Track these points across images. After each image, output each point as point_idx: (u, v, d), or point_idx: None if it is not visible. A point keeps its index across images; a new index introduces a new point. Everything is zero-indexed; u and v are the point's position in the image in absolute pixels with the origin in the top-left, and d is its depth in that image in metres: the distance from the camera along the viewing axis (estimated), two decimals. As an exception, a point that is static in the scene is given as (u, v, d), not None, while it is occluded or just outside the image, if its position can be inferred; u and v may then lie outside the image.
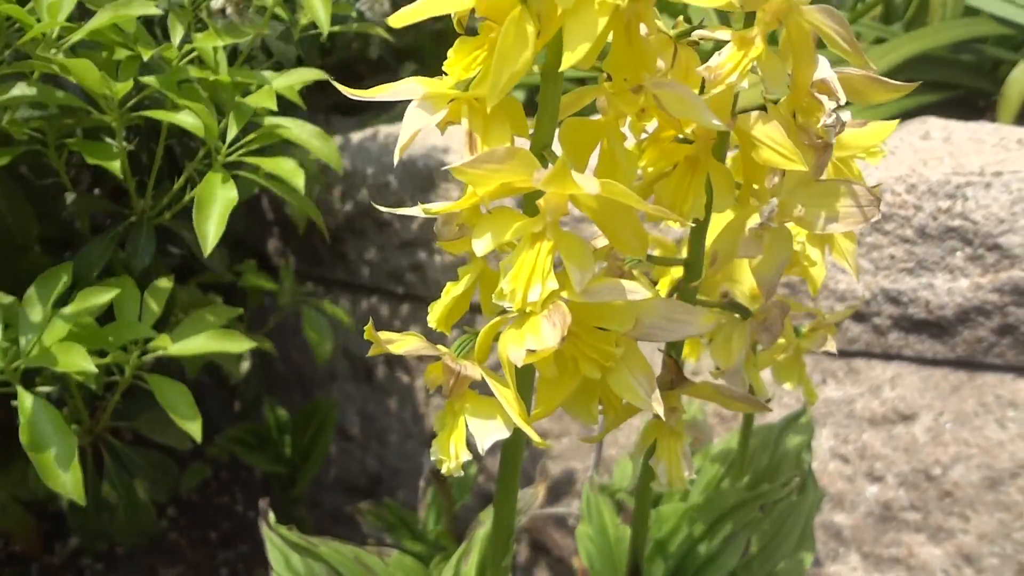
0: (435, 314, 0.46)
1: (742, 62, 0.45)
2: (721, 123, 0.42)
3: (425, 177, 1.19)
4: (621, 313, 0.42)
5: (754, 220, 0.51)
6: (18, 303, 0.79)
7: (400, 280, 1.26)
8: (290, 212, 1.17)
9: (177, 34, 0.87)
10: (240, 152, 0.89)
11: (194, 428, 0.80)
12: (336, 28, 1.10)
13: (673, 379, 0.53)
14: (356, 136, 1.30)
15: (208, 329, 0.86)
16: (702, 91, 0.47)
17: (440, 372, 0.44)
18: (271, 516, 0.71)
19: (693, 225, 0.53)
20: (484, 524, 0.72)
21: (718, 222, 0.52)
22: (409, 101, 0.44)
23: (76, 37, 0.79)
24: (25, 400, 0.74)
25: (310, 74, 0.94)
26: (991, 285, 0.96)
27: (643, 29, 0.42)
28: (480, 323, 0.45)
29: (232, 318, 0.90)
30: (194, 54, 0.89)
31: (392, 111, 1.42)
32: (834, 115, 0.47)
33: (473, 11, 0.41)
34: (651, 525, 0.78)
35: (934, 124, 1.10)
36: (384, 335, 0.44)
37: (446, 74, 0.43)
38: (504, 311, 0.41)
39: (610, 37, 0.41)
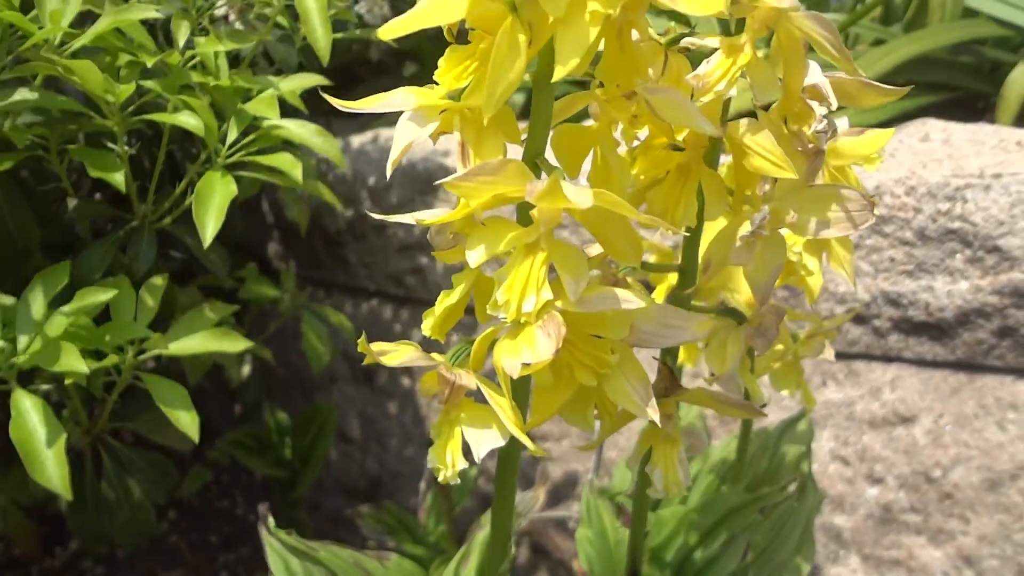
0: (430, 322, 0.46)
1: (730, 70, 0.45)
2: (715, 129, 0.42)
3: (425, 180, 1.19)
4: (616, 321, 0.42)
5: (747, 227, 0.51)
6: (15, 303, 0.80)
7: (401, 283, 1.27)
8: (293, 215, 1.17)
9: (181, 37, 0.87)
10: (240, 154, 0.89)
11: (192, 428, 0.80)
12: (337, 35, 1.11)
13: (667, 386, 0.53)
14: (356, 140, 1.30)
15: (205, 327, 0.86)
16: (692, 99, 0.47)
17: (435, 382, 0.44)
18: (271, 521, 0.72)
19: (687, 235, 0.53)
20: (484, 527, 0.72)
21: (712, 229, 0.52)
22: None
23: (79, 43, 0.80)
24: (18, 397, 0.75)
25: (310, 80, 0.95)
26: (991, 287, 0.96)
27: (635, 35, 0.41)
28: (480, 328, 0.45)
29: (228, 315, 0.90)
30: (196, 59, 0.89)
31: (393, 114, 1.41)
32: (825, 121, 0.46)
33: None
34: (651, 528, 0.78)
35: (933, 126, 1.10)
36: (378, 346, 0.44)
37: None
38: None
39: (602, 44, 0.41)
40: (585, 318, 0.41)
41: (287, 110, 0.98)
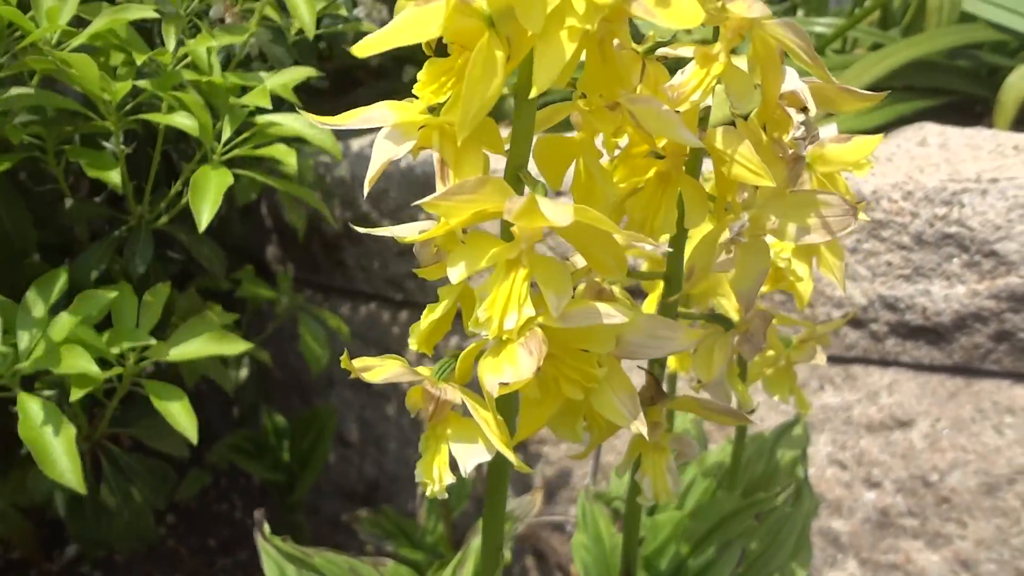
0: (416, 336, 0.46)
1: (705, 79, 0.45)
2: (695, 140, 0.42)
3: (423, 183, 1.20)
4: (601, 335, 0.42)
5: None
6: (16, 307, 0.80)
7: (399, 287, 1.27)
8: (290, 219, 1.17)
9: (171, 39, 0.87)
10: (235, 151, 0.90)
11: (191, 432, 0.80)
12: (327, 29, 1.11)
13: (654, 395, 0.53)
14: (356, 143, 1.30)
15: (205, 332, 0.86)
16: None
17: (421, 397, 0.44)
18: (266, 527, 0.71)
19: (668, 246, 0.53)
20: (480, 533, 0.72)
21: (697, 237, 0.52)
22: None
23: (76, 42, 0.80)
24: (24, 399, 0.75)
25: (304, 72, 0.95)
26: (988, 292, 0.96)
27: (616, 43, 0.41)
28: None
29: (229, 323, 0.90)
30: (188, 59, 0.89)
31: (391, 117, 1.41)
32: (803, 128, 0.46)
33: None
34: (646, 533, 0.78)
35: (931, 130, 1.11)
36: (361, 363, 0.44)
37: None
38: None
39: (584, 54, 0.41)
40: (570, 333, 0.41)
41: (283, 108, 0.98)
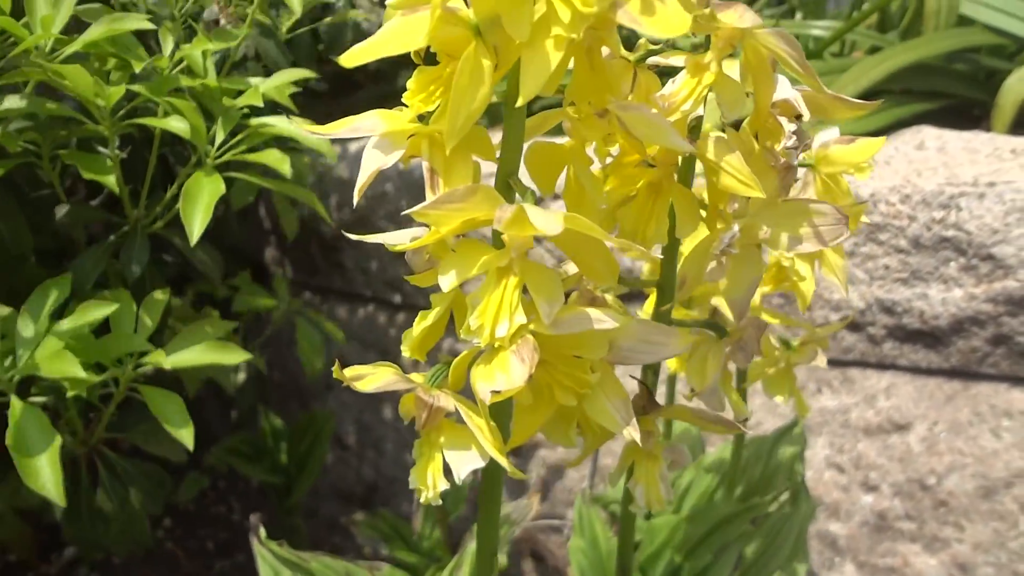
0: (409, 343, 0.46)
1: (696, 89, 0.45)
2: (687, 146, 0.42)
3: (421, 185, 1.19)
4: (594, 341, 0.42)
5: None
6: (15, 314, 0.80)
7: (397, 289, 1.27)
8: (282, 222, 1.17)
9: (167, 44, 0.87)
10: (230, 154, 0.90)
11: (186, 437, 0.80)
12: (327, 20, 1.11)
13: (646, 404, 0.53)
14: (352, 145, 1.30)
15: (205, 340, 0.86)
16: None
17: (414, 404, 0.43)
18: (262, 531, 0.72)
19: (660, 255, 0.53)
20: (476, 537, 0.71)
21: (691, 245, 0.52)
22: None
23: (70, 49, 0.80)
24: (15, 405, 0.75)
25: (298, 74, 0.95)
26: (985, 295, 0.96)
27: (606, 51, 0.41)
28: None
29: (227, 331, 0.90)
30: (184, 64, 0.90)
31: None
32: (794, 137, 0.46)
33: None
34: (643, 537, 0.78)
35: (929, 133, 1.10)
36: (353, 371, 0.44)
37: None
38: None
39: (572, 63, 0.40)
40: (562, 339, 0.41)
41: (279, 110, 0.98)
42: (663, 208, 0.48)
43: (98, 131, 0.85)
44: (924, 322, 1.00)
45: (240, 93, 0.92)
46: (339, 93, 1.43)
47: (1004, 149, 1.03)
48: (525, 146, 0.44)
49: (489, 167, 0.44)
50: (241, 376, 1.27)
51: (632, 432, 0.43)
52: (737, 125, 0.48)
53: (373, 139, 0.43)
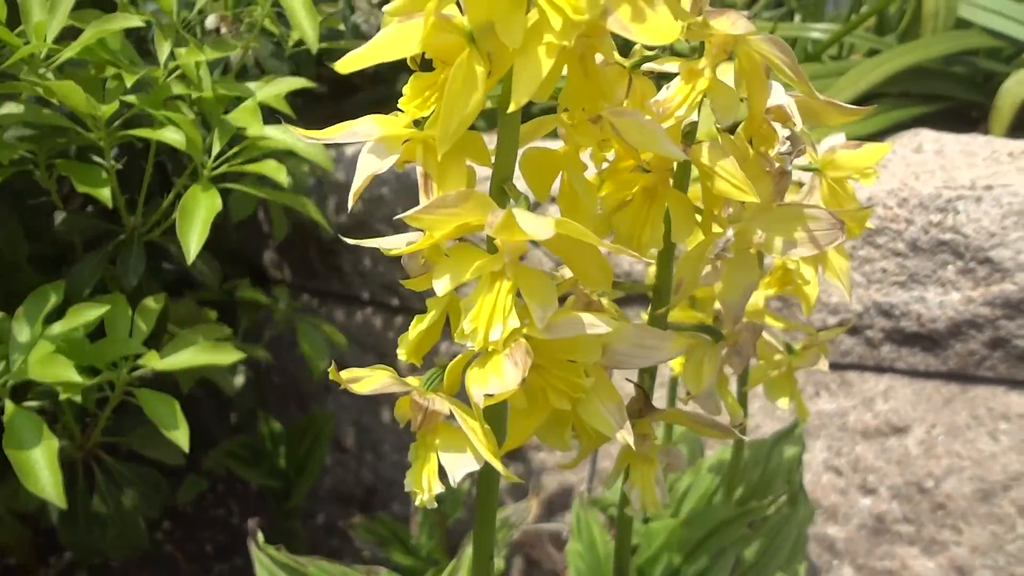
0: (405, 347, 0.46)
1: (690, 95, 0.45)
2: (681, 152, 0.42)
3: (418, 189, 1.19)
4: (587, 345, 0.42)
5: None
6: (8, 320, 0.80)
7: (395, 292, 1.27)
8: (273, 226, 1.17)
9: (163, 52, 0.87)
10: (226, 165, 0.90)
11: (181, 439, 0.80)
12: (325, 44, 1.11)
13: (642, 407, 0.53)
14: (349, 148, 1.30)
15: (197, 342, 0.86)
16: None
17: (409, 407, 0.44)
18: (260, 536, 0.72)
19: (651, 260, 0.53)
20: (472, 541, 0.72)
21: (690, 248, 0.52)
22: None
23: (64, 56, 0.80)
24: (9, 410, 0.75)
25: (295, 83, 0.95)
26: (982, 298, 0.96)
27: (599, 58, 0.41)
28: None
29: (225, 337, 0.90)
30: (180, 71, 0.90)
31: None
32: (788, 142, 0.47)
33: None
34: (640, 541, 0.78)
35: (926, 136, 1.11)
36: (349, 374, 0.44)
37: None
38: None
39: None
40: (555, 343, 0.41)
41: (277, 116, 0.98)
42: (659, 213, 0.49)
43: (94, 141, 0.85)
44: (922, 325, 1.00)
45: (238, 100, 0.92)
46: (338, 96, 1.43)
47: (1002, 152, 1.03)
48: (520, 151, 0.44)
49: (485, 172, 0.44)
50: (240, 379, 1.27)
51: (626, 436, 0.43)
52: (732, 131, 0.48)
53: (368, 144, 0.43)
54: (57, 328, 0.79)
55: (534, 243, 0.40)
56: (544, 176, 0.47)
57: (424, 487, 0.43)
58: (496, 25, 0.36)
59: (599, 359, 0.43)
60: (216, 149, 0.88)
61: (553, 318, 0.40)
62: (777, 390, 0.74)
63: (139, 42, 1.01)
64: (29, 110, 0.81)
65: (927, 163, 1.04)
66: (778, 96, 0.47)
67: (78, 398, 0.81)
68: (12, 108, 0.81)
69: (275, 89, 0.94)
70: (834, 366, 1.06)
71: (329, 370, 0.43)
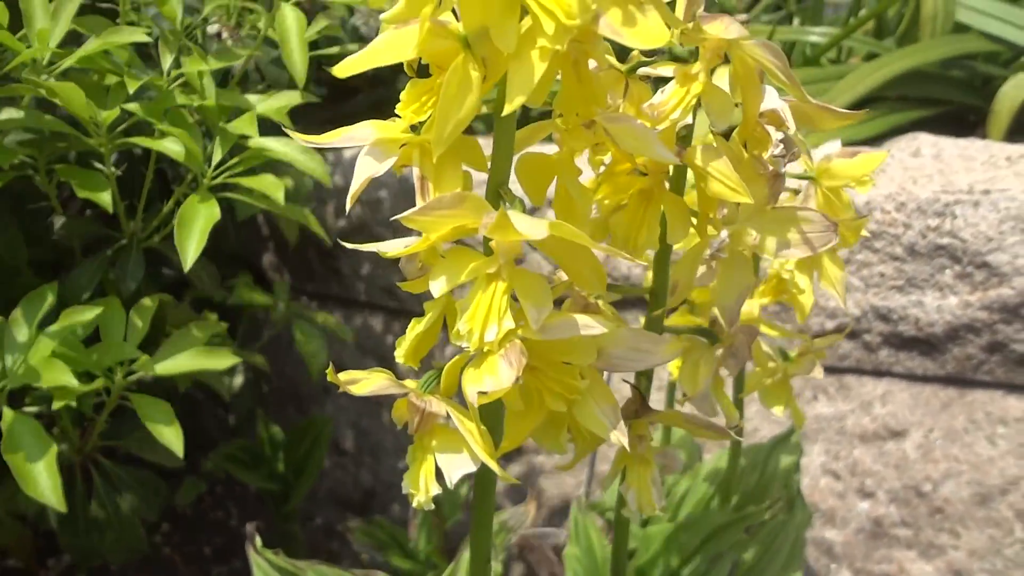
0: (402, 349, 0.47)
1: (685, 98, 0.46)
2: (673, 157, 0.42)
3: (417, 193, 1.20)
4: (582, 347, 0.42)
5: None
6: (4, 323, 0.80)
7: (394, 295, 1.27)
8: (282, 228, 1.17)
9: (166, 61, 0.87)
10: (226, 175, 0.90)
11: (176, 443, 0.81)
12: (332, 50, 1.12)
13: (638, 408, 0.53)
14: (347, 152, 1.30)
15: (194, 345, 0.87)
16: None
17: (406, 409, 0.44)
18: (258, 540, 0.72)
19: (645, 263, 0.53)
20: (469, 544, 0.72)
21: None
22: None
23: (66, 63, 0.80)
24: (7, 415, 0.76)
25: (294, 97, 0.95)
26: (980, 303, 0.96)
27: (592, 64, 0.42)
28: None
29: (219, 333, 0.90)
30: (183, 79, 0.90)
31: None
32: (781, 145, 0.47)
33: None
34: (638, 545, 0.78)
35: (924, 140, 1.11)
36: (347, 376, 0.44)
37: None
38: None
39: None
40: (551, 345, 0.41)
41: (276, 129, 0.98)
42: (654, 215, 0.49)
43: (94, 147, 0.86)
44: (919, 329, 1.00)
45: (239, 111, 0.92)
46: (337, 98, 1.43)
47: (999, 156, 1.03)
48: (515, 156, 0.45)
49: (482, 176, 0.44)
50: (239, 380, 1.27)
51: (620, 437, 0.43)
52: (727, 135, 0.48)
53: (366, 147, 0.43)
54: (51, 331, 0.79)
55: (533, 247, 0.40)
56: (539, 181, 0.48)
57: (421, 488, 0.44)
58: (490, 30, 0.37)
59: (594, 362, 0.43)
60: (216, 158, 0.88)
61: (548, 319, 0.40)
62: (772, 398, 0.74)
63: (140, 45, 1.01)
64: (30, 115, 0.82)
65: (925, 167, 1.04)
66: (772, 100, 0.47)
67: (74, 403, 0.81)
68: (13, 113, 0.81)
69: (276, 103, 0.94)
70: (832, 370, 1.06)
71: (327, 372, 0.44)
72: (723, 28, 0.43)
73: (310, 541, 1.37)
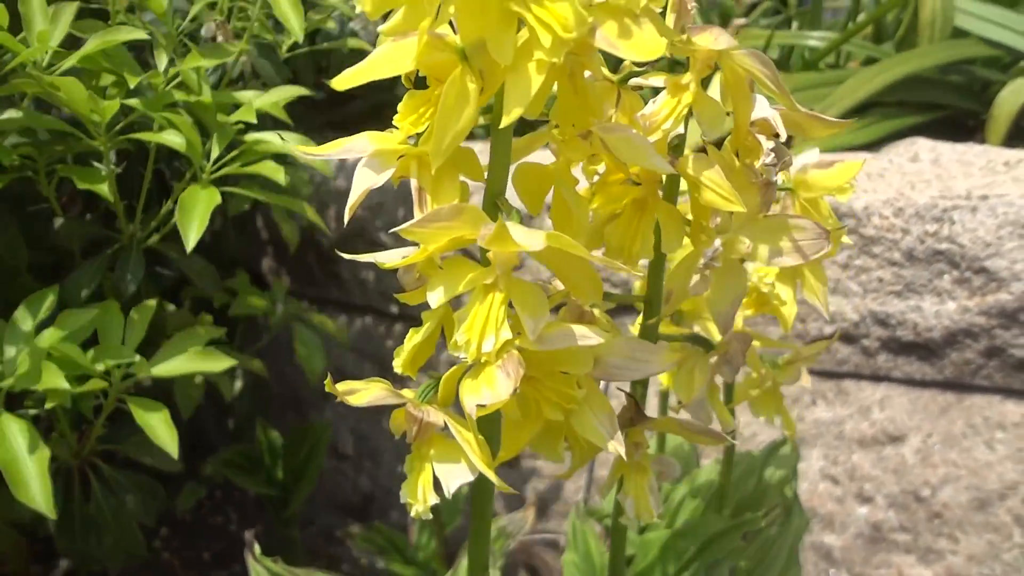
0: (400, 359, 0.47)
1: (676, 108, 0.46)
2: (668, 167, 0.42)
3: (417, 197, 1.20)
4: (579, 356, 0.42)
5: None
6: (4, 325, 0.80)
7: (393, 300, 1.27)
8: (283, 231, 1.17)
9: (162, 60, 0.88)
10: (225, 169, 0.90)
11: (171, 447, 0.81)
12: (318, 47, 1.12)
13: (634, 416, 0.53)
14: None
15: (189, 349, 0.87)
16: None
17: (404, 419, 0.44)
18: (256, 548, 0.72)
19: (639, 273, 0.54)
20: (467, 552, 0.72)
21: (678, 260, 0.52)
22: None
23: (66, 64, 0.80)
24: (4, 420, 0.76)
25: (292, 91, 0.95)
26: (978, 308, 0.96)
27: (588, 74, 0.42)
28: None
29: (218, 336, 0.90)
30: (179, 79, 0.90)
31: (387, 127, 1.42)
32: (772, 154, 0.47)
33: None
34: (636, 551, 0.78)
35: (923, 145, 1.11)
36: (345, 386, 0.44)
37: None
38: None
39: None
40: (548, 355, 0.42)
41: (276, 126, 0.99)
42: (649, 224, 0.49)
43: (94, 146, 0.86)
44: (918, 334, 1.00)
45: (235, 107, 0.92)
46: (336, 102, 1.44)
47: (997, 162, 1.03)
48: (513, 167, 0.45)
49: (478, 184, 0.44)
50: (238, 385, 1.27)
51: (617, 447, 0.43)
52: (719, 144, 0.49)
53: (364, 159, 0.43)
54: (48, 333, 0.79)
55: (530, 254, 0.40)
56: (537, 191, 0.48)
57: (419, 498, 0.44)
58: (487, 43, 0.37)
59: (591, 371, 0.43)
60: (215, 152, 0.89)
61: (545, 330, 0.40)
62: (762, 407, 0.74)
63: (137, 53, 1.02)
64: (29, 116, 0.82)
65: (924, 172, 1.04)
66: (762, 109, 0.47)
67: (68, 405, 0.81)
68: (12, 114, 0.81)
69: (272, 97, 0.94)
70: (830, 375, 1.07)
71: (325, 382, 0.44)
72: (712, 39, 0.43)
73: (310, 546, 1.37)
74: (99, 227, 0.98)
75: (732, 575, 0.77)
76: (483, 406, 0.40)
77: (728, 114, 0.47)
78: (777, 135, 0.46)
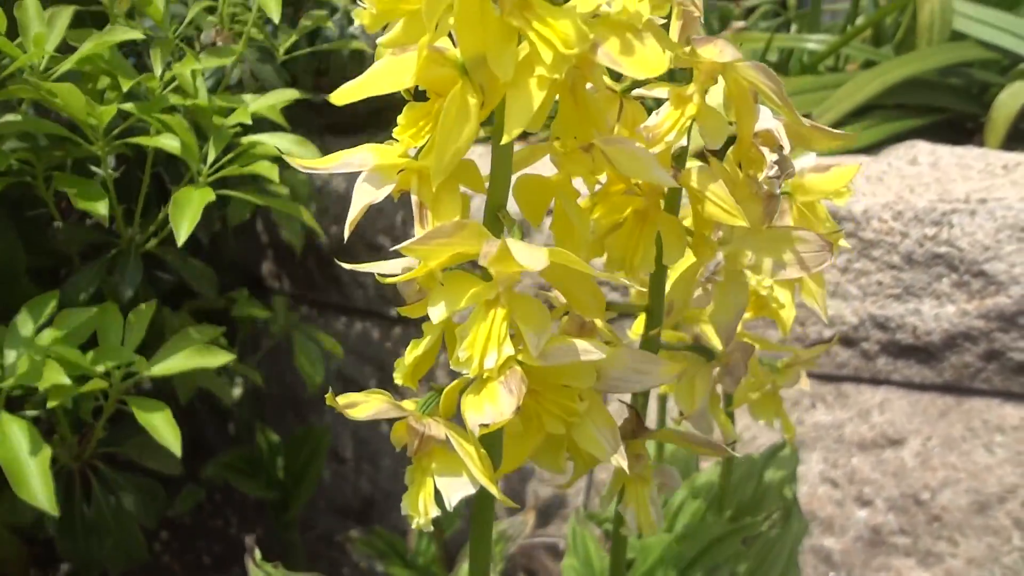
0: (401, 371, 0.47)
1: (680, 120, 0.46)
2: (670, 180, 0.42)
3: (417, 201, 1.20)
4: (581, 370, 0.42)
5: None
6: (4, 329, 0.80)
7: (393, 303, 1.27)
8: (285, 234, 1.17)
9: (159, 63, 0.88)
10: (222, 172, 0.90)
11: (174, 446, 0.80)
12: (324, 47, 1.12)
13: (635, 428, 0.53)
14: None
15: (187, 347, 0.86)
16: None
17: (405, 432, 0.44)
18: (257, 553, 0.72)
19: (639, 285, 0.54)
20: (468, 563, 0.72)
21: (678, 271, 0.52)
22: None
23: (63, 68, 0.80)
24: (4, 420, 0.76)
25: (288, 94, 0.95)
26: (977, 311, 0.97)
27: (589, 86, 0.42)
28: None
29: (216, 336, 0.90)
30: (176, 83, 0.90)
31: (387, 131, 1.42)
32: (776, 167, 0.47)
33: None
34: (636, 556, 0.78)
35: (922, 148, 1.11)
36: (346, 399, 0.44)
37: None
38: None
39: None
40: (550, 369, 0.41)
41: (276, 128, 0.98)
42: (650, 236, 0.49)
43: (91, 151, 0.86)
44: (917, 338, 1.00)
45: (232, 111, 0.92)
46: (336, 107, 1.44)
47: (996, 165, 1.03)
48: (513, 179, 0.45)
49: (480, 198, 0.44)
50: (238, 390, 1.27)
51: (620, 460, 0.43)
52: (721, 155, 0.48)
53: (364, 173, 0.43)
54: (46, 333, 0.79)
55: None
56: (538, 203, 0.48)
57: (420, 511, 0.44)
58: (488, 58, 0.37)
59: (593, 384, 0.43)
60: (212, 155, 0.89)
61: (547, 345, 0.40)
62: (761, 410, 0.74)
63: (136, 55, 1.02)
64: (27, 120, 0.82)
65: (922, 176, 1.04)
66: (766, 120, 0.47)
67: (69, 405, 0.81)
68: (10, 118, 0.81)
69: (269, 100, 0.94)
70: (830, 378, 1.07)
71: (327, 396, 0.44)
72: (717, 52, 0.43)
73: (310, 550, 1.37)
74: (98, 232, 0.98)
75: (733, 579, 0.77)
76: (486, 425, 0.40)
77: (731, 124, 0.47)
78: (781, 147, 0.46)
